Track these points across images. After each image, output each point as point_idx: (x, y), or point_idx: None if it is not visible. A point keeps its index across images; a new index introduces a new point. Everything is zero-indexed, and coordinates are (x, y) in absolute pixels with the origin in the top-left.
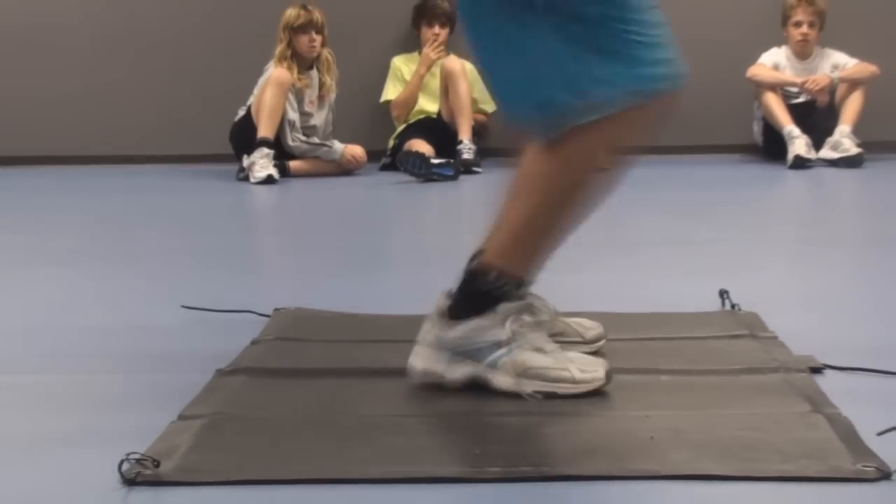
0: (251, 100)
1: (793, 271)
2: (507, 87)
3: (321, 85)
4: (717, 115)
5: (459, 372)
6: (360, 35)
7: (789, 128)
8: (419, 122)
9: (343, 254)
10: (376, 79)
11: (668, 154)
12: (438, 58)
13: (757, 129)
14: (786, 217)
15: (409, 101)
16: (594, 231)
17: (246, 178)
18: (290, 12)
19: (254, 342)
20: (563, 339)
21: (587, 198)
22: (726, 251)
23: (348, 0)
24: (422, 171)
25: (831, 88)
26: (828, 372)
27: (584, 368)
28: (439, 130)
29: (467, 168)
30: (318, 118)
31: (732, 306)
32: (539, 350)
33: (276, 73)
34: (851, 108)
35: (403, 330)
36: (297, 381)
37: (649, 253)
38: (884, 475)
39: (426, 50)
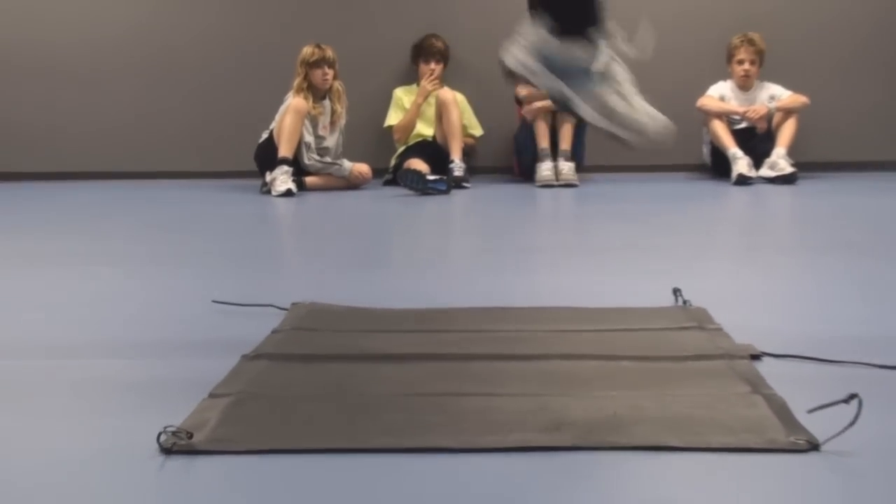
0: (273, 124)
1: (737, 273)
2: None
3: (333, 112)
4: (671, 139)
5: (550, 83)
6: (367, 69)
7: (733, 150)
8: (417, 144)
9: (352, 256)
10: (380, 107)
11: (629, 172)
12: (434, 89)
13: (706, 151)
14: (731, 226)
15: (409, 126)
16: (565, 238)
17: (268, 192)
18: (307, 50)
19: (274, 331)
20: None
21: None
22: (679, 255)
23: (356, 39)
24: (419, 186)
25: (769, 116)
26: (766, 359)
27: (655, 116)
28: (434, 151)
29: (458, 184)
30: (331, 140)
31: (684, 302)
32: (621, 95)
33: (294, 102)
34: (786, 133)
35: (404, 321)
36: (312, 365)
37: (612, 256)
38: (813, 447)
39: (423, 82)
